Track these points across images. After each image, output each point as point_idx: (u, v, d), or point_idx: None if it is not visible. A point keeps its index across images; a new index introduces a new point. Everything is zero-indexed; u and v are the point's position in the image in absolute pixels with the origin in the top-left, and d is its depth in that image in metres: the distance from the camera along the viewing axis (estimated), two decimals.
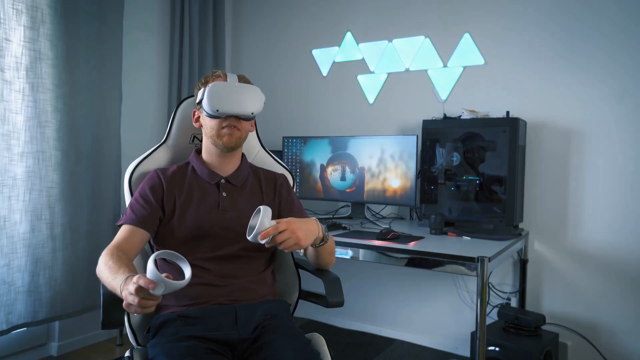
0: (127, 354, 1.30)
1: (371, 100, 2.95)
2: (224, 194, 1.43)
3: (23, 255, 2.18)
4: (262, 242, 1.19)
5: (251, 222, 1.22)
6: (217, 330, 1.26)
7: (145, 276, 0.98)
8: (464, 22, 2.65)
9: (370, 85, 2.95)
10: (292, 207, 1.50)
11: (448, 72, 2.70)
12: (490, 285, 2.54)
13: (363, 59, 2.97)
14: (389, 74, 2.89)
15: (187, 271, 1.06)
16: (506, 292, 2.54)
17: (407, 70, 2.82)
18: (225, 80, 1.41)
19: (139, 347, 1.39)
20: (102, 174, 2.49)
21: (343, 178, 2.70)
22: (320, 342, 1.37)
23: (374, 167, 2.60)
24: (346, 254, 2.07)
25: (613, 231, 2.32)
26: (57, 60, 2.25)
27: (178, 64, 2.96)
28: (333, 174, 2.73)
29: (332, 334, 2.89)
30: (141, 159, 1.53)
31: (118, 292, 1.07)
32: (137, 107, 2.80)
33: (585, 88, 2.37)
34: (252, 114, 1.41)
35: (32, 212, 2.20)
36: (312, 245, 1.35)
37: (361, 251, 2.04)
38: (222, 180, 1.45)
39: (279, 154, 2.80)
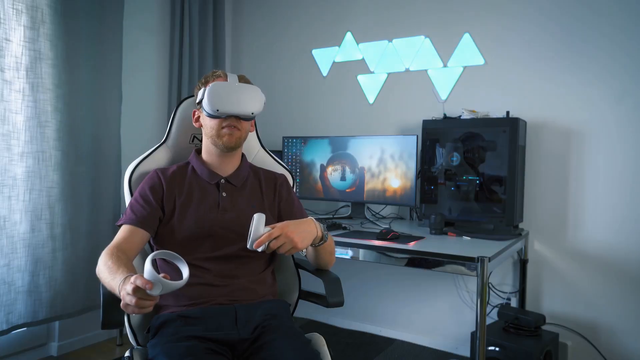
0: (127, 354, 1.30)
1: (371, 100, 2.95)
2: (224, 194, 1.43)
3: (23, 255, 2.18)
4: (259, 249, 1.20)
5: (249, 229, 1.23)
6: (217, 330, 1.26)
7: (142, 276, 0.98)
8: (464, 22, 2.65)
9: (370, 85, 2.95)
10: (292, 207, 1.51)
11: (448, 72, 2.70)
12: (490, 285, 2.54)
13: (363, 59, 2.97)
14: (389, 74, 2.88)
15: (185, 271, 1.06)
16: (506, 292, 2.54)
17: (407, 70, 2.82)
18: (226, 80, 1.41)
19: (139, 347, 1.39)
20: (102, 174, 2.49)
21: (343, 178, 2.70)
22: (320, 342, 1.37)
23: (374, 167, 2.60)
24: (346, 254, 2.07)
25: (613, 231, 2.32)
26: (57, 60, 2.25)
27: (178, 64, 2.96)
28: (333, 174, 2.73)
29: (332, 334, 2.89)
30: (141, 159, 1.53)
31: (117, 292, 1.07)
32: (137, 107, 2.80)
33: (585, 88, 2.37)
34: (252, 114, 1.41)
35: (32, 212, 2.20)
36: (311, 245, 1.35)
37: (361, 251, 2.04)
38: (222, 180, 1.44)
39: (279, 154, 2.80)
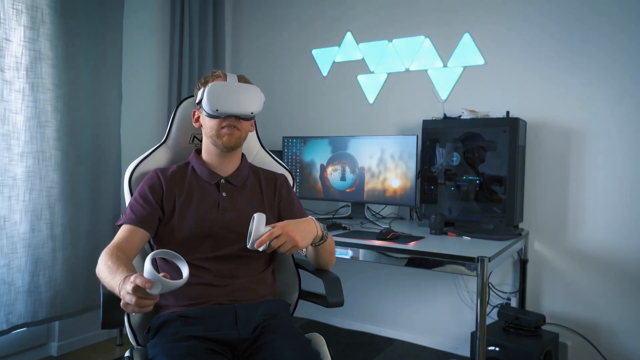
0: (127, 354, 1.30)
1: (371, 100, 2.95)
2: (224, 194, 1.43)
3: (23, 255, 2.18)
4: (260, 249, 1.21)
5: (249, 229, 1.23)
6: (217, 330, 1.26)
7: (142, 275, 0.98)
8: (464, 22, 2.65)
9: (370, 85, 2.95)
10: (292, 207, 1.50)
11: (448, 72, 2.70)
12: (490, 285, 2.54)
13: (363, 59, 2.97)
14: (389, 74, 2.88)
15: (185, 270, 1.06)
16: (506, 292, 2.54)
17: (407, 70, 2.82)
18: (225, 80, 1.41)
19: (139, 347, 1.39)
20: (102, 174, 2.49)
21: (343, 178, 2.70)
22: (320, 342, 1.37)
23: (374, 167, 2.60)
24: (346, 254, 2.07)
25: (613, 231, 2.32)
26: (57, 60, 2.25)
27: (178, 64, 2.96)
28: (333, 174, 2.73)
29: (332, 334, 2.89)
30: (141, 159, 1.53)
31: (116, 291, 1.07)
32: (137, 107, 2.80)
33: (585, 88, 2.37)
34: (252, 113, 1.41)
35: (32, 212, 2.20)
36: (312, 245, 1.35)
37: (361, 251, 2.04)
38: (222, 181, 1.44)
39: (279, 154, 2.80)
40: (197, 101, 1.43)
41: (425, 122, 2.48)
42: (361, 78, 2.97)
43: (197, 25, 3.03)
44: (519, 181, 2.34)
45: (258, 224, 1.20)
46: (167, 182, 1.41)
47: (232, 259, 1.38)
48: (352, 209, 2.75)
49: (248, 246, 1.22)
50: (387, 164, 2.56)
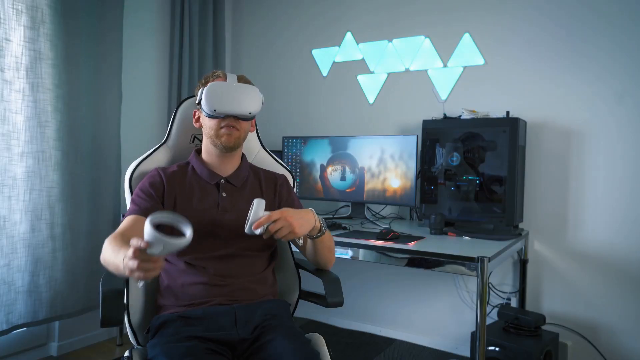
0: (126, 354, 1.30)
1: (371, 100, 2.95)
2: (224, 194, 1.43)
3: (23, 255, 2.18)
4: (257, 232, 1.21)
5: (248, 214, 1.23)
6: (217, 331, 1.26)
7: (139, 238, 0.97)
8: (464, 22, 2.65)
9: (370, 85, 2.95)
10: (292, 207, 1.50)
11: (448, 72, 2.70)
12: (490, 285, 2.54)
13: (363, 59, 2.96)
14: (389, 74, 2.88)
15: (188, 231, 1.02)
16: (506, 292, 2.54)
17: (407, 70, 2.82)
18: (225, 80, 1.41)
19: (138, 347, 1.39)
20: (102, 174, 2.49)
21: (343, 178, 2.70)
22: (320, 342, 1.37)
23: (374, 167, 2.60)
24: (346, 254, 2.07)
25: (613, 231, 2.32)
26: (57, 60, 2.25)
27: (178, 64, 2.96)
28: (333, 174, 2.73)
29: (332, 334, 2.89)
30: (141, 159, 1.53)
31: (121, 267, 1.05)
32: (137, 107, 2.80)
33: (585, 88, 2.37)
34: (250, 113, 1.41)
35: (32, 212, 2.20)
36: (309, 237, 1.35)
37: (361, 251, 2.04)
38: (222, 181, 1.45)
39: (279, 154, 2.79)
40: (197, 101, 1.43)
41: (425, 122, 2.48)
42: (361, 78, 2.97)
43: (197, 25, 3.03)
44: (519, 181, 2.35)
45: (257, 208, 1.21)
46: (168, 180, 1.41)
47: (232, 258, 1.38)
48: (352, 209, 2.75)
49: (245, 230, 1.22)
50: (387, 164, 2.56)
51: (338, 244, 2.01)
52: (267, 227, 1.22)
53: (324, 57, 3.10)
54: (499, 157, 2.27)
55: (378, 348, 2.70)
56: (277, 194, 1.51)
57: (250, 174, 1.51)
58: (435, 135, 2.42)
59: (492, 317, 2.47)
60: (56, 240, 2.28)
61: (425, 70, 2.76)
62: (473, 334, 2.30)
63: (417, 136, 2.49)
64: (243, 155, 1.53)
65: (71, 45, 2.30)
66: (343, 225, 2.38)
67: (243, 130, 1.43)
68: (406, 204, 2.56)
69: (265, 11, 3.34)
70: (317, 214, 1.39)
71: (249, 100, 1.40)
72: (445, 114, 2.54)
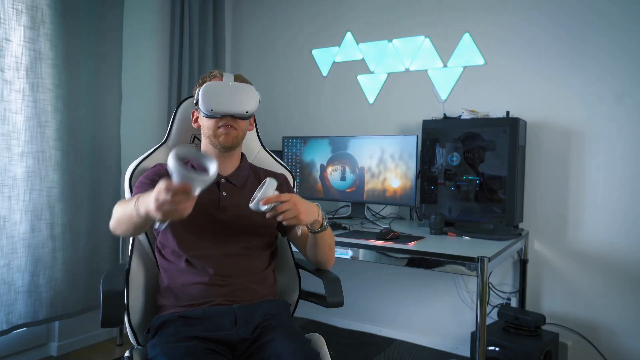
0: (126, 354, 1.30)
1: (371, 100, 2.95)
2: (224, 194, 1.43)
3: (23, 255, 2.18)
4: (264, 208, 1.20)
5: (255, 193, 1.23)
6: (217, 331, 1.26)
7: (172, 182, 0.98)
8: (464, 22, 2.65)
9: (370, 85, 2.95)
10: None
11: (448, 72, 2.70)
12: (490, 285, 2.54)
13: (363, 59, 2.97)
14: (389, 74, 2.88)
15: (213, 166, 1.04)
16: (506, 292, 2.54)
17: (407, 70, 2.82)
18: (221, 80, 1.41)
19: (138, 347, 1.39)
20: (102, 174, 2.49)
21: (343, 178, 2.70)
22: (320, 342, 1.37)
23: (374, 167, 2.60)
24: (346, 254, 2.07)
25: (613, 231, 2.32)
26: (57, 60, 2.25)
27: (178, 64, 2.96)
28: (333, 174, 2.73)
29: (332, 334, 2.89)
30: (141, 159, 1.53)
31: (134, 213, 1.09)
32: (137, 107, 2.80)
33: (585, 88, 2.37)
34: (247, 112, 1.41)
35: (32, 212, 2.20)
36: (311, 231, 1.35)
37: (361, 251, 2.04)
38: (222, 180, 1.44)
39: (279, 154, 2.79)
40: (195, 101, 1.43)
41: (425, 122, 2.48)
42: (361, 78, 2.97)
43: (197, 25, 3.03)
44: (519, 181, 2.35)
45: (268, 186, 1.21)
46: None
47: (232, 258, 1.38)
48: (352, 209, 2.75)
49: (251, 205, 1.22)
50: (387, 164, 2.56)
51: (338, 244, 2.01)
52: (274, 207, 1.21)
53: (324, 57, 3.10)
54: (499, 157, 2.27)
55: (378, 348, 2.70)
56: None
57: (250, 174, 1.51)
58: (435, 135, 2.42)
59: (492, 317, 2.47)
60: (56, 240, 2.28)
61: (425, 70, 2.76)
62: (473, 334, 2.30)
63: (417, 136, 2.49)
64: (243, 154, 1.53)
65: (71, 45, 2.30)
66: (343, 225, 2.38)
67: (241, 130, 1.43)
68: (406, 204, 2.56)
69: (265, 11, 3.34)
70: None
71: (246, 99, 1.40)
72: (445, 114, 2.54)
